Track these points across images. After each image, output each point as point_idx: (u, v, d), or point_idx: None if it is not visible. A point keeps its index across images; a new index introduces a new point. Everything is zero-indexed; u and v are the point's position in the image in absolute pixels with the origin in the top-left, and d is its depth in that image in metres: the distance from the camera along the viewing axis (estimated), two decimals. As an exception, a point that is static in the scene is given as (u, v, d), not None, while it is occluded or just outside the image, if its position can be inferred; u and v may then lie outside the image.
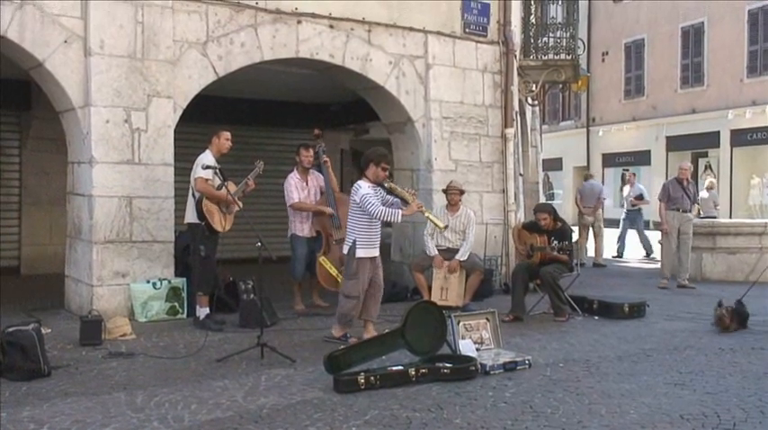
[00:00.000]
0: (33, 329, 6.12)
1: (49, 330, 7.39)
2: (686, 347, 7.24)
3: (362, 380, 5.63)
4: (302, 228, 9.19)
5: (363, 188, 7.18)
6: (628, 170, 30.83)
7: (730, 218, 23.40)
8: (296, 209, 9.14)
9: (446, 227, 8.36)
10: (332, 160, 9.90)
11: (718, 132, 26.02)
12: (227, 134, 8.18)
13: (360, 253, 7.16)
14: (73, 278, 8.75)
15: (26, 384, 5.74)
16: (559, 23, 13.90)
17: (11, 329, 6.10)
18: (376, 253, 7.35)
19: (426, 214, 7.61)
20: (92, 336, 7.14)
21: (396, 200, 7.44)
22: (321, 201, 9.25)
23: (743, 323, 8.08)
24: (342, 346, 6.35)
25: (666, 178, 21.77)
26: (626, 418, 5.02)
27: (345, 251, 7.28)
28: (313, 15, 9.61)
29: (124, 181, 8.38)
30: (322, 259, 9.10)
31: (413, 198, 7.52)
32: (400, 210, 7.26)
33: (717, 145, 26.36)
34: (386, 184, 7.52)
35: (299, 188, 9.15)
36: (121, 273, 8.36)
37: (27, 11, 7.92)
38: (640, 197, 17.38)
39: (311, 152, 9.24)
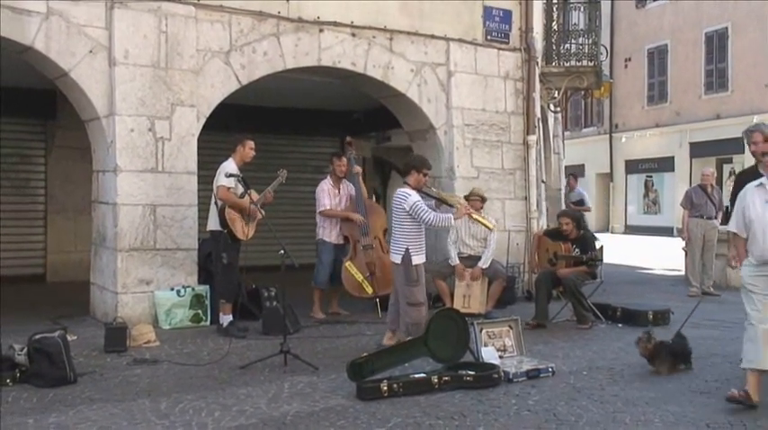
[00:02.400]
0: (59, 336, 6.19)
1: (75, 337, 7.45)
2: (711, 355, 7.17)
3: (385, 388, 5.63)
4: (330, 234, 9.29)
5: (413, 196, 7.13)
6: (651, 176, 30.70)
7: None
8: (325, 216, 9.27)
9: (495, 226, 8.46)
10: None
11: (743, 138, 25.76)
12: (252, 143, 8.24)
13: (415, 259, 7.15)
14: (98, 285, 8.83)
15: (52, 391, 5.80)
16: (581, 30, 13.85)
17: (37, 336, 6.17)
18: (424, 258, 7.38)
19: (474, 216, 7.68)
20: (117, 343, 7.20)
21: (430, 203, 7.44)
22: (350, 208, 9.33)
23: (682, 360, 6.59)
24: (365, 354, 6.35)
25: (690, 185, 21.63)
26: (650, 427, 4.98)
27: (397, 260, 7.17)
28: (335, 24, 9.66)
29: (148, 189, 8.46)
30: (348, 264, 9.19)
31: (457, 201, 7.57)
32: (451, 215, 7.29)
33: (741, 151, 25.94)
34: (434, 190, 7.58)
35: (332, 195, 9.32)
36: (146, 280, 8.42)
37: (53, 22, 8.03)
38: (581, 203, 15.07)
39: (344, 161, 9.37)
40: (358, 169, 9.62)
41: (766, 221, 5.41)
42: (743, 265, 5.61)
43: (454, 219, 7.33)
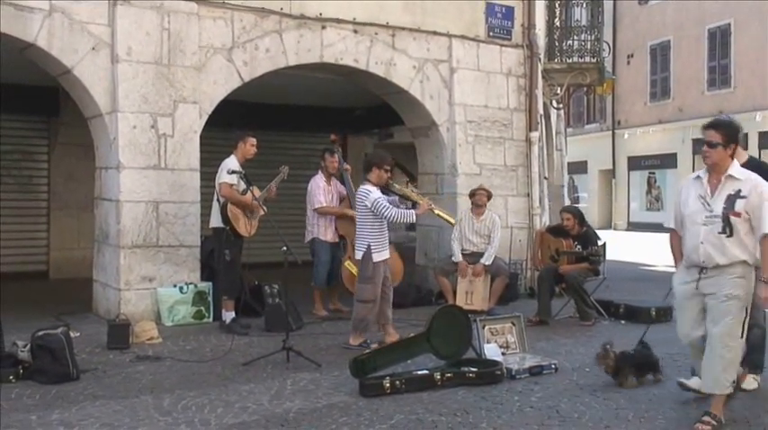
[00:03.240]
0: (62, 333, 6.20)
1: (78, 334, 7.46)
2: (714, 352, 7.15)
3: (388, 385, 5.64)
4: (325, 232, 9.17)
5: (374, 192, 7.22)
6: (654, 173, 30.66)
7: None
8: (321, 213, 9.11)
9: (457, 221, 8.76)
10: (356, 164, 9.95)
11: (746, 134, 25.59)
12: (253, 140, 8.24)
13: (376, 257, 7.21)
14: (100, 282, 8.84)
15: (55, 387, 5.81)
16: (584, 26, 13.84)
17: (40, 333, 6.18)
18: (388, 255, 7.43)
19: (437, 212, 7.73)
20: (119, 340, 7.21)
21: (394, 198, 7.54)
22: (344, 205, 9.25)
23: (648, 370, 6.08)
24: (367, 350, 6.36)
25: (693, 181, 21.54)
26: (653, 424, 4.98)
27: (359, 257, 7.27)
28: (337, 20, 9.65)
29: (151, 186, 8.46)
30: (347, 263, 9.09)
31: (420, 196, 7.66)
32: (413, 211, 7.36)
33: (745, 147, 25.76)
34: (396, 186, 7.69)
35: (326, 192, 9.17)
36: (148, 277, 8.42)
37: (56, 19, 8.03)
38: None
39: (336, 158, 9.29)
40: (348, 167, 9.58)
41: (697, 220, 4.89)
42: (677, 270, 5.17)
43: (417, 214, 7.38)
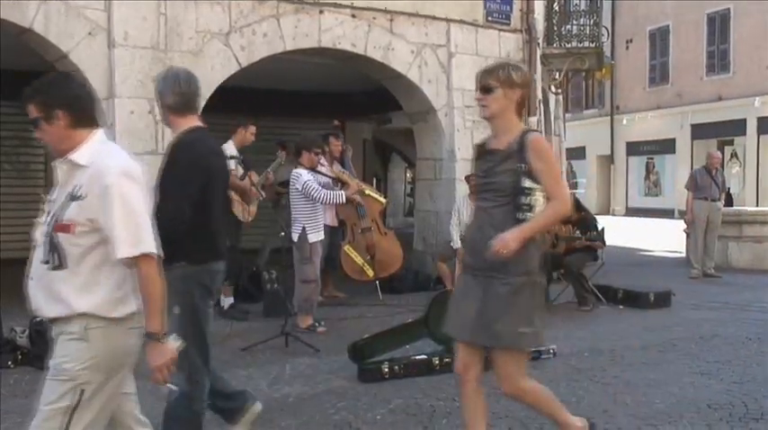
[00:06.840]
0: (60, 319, 6.18)
1: (76, 320, 7.44)
2: (712, 336, 7.18)
3: (386, 369, 5.65)
4: (325, 215, 9.16)
5: (304, 175, 7.38)
6: (652, 158, 30.66)
7: (757, 206, 23.15)
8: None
9: (388, 202, 8.97)
10: (355, 150, 9.95)
11: (745, 120, 25.71)
12: (254, 128, 8.26)
13: (311, 238, 7.36)
14: (99, 268, 8.81)
15: (54, 373, 5.80)
16: (583, 11, 13.78)
17: (39, 319, 6.16)
18: (323, 235, 7.61)
19: (367, 191, 7.96)
20: (118, 326, 7.19)
21: (328, 181, 7.90)
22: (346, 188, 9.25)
23: None
24: (366, 335, 6.36)
25: (692, 167, 21.57)
26: (652, 408, 4.99)
27: (295, 238, 7.37)
28: (335, 5, 9.60)
29: (149, 171, 8.41)
30: (347, 248, 9.13)
31: (349, 177, 8.15)
32: (343, 192, 7.69)
33: (743, 133, 26.04)
34: (327, 168, 8.07)
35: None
36: (146, 263, 8.39)
37: (52, 4, 7.97)
38: None
39: (340, 141, 9.28)
40: (350, 150, 9.68)
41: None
42: None
43: (346, 195, 7.77)
